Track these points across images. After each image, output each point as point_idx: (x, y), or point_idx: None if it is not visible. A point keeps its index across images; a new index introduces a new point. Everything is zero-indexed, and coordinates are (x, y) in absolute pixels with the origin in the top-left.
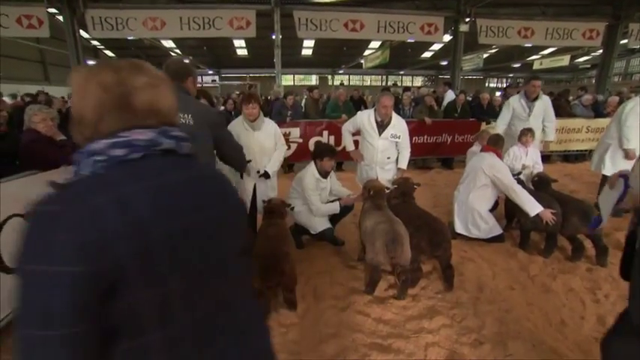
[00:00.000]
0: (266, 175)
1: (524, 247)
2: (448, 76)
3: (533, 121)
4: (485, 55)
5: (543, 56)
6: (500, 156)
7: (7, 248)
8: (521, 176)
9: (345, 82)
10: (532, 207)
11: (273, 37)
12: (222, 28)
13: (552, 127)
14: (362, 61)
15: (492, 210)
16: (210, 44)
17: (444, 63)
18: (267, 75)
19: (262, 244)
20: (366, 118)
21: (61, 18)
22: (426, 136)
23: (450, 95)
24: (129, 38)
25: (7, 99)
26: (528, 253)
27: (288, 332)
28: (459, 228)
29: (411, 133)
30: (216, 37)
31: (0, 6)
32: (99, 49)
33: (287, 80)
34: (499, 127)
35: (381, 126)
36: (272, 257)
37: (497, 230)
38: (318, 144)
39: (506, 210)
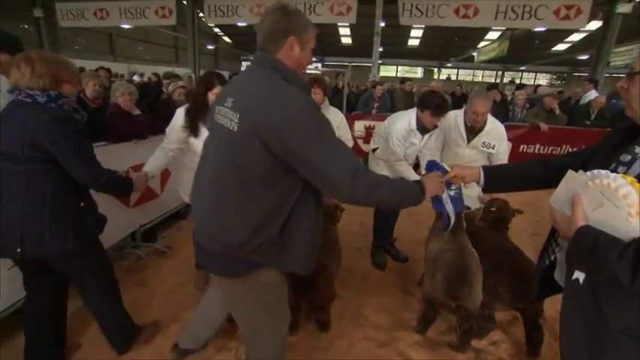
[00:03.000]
0: None
1: None
2: (585, 74)
3: None
4: None
5: None
6: None
7: None
8: None
9: (453, 77)
10: None
11: (375, 24)
12: (322, 14)
13: None
14: (474, 54)
15: None
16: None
17: (584, 57)
18: (368, 65)
19: None
20: (452, 118)
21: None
22: (538, 146)
23: (591, 97)
24: (239, 24)
25: (136, 77)
26: None
27: (311, 356)
28: (559, 275)
29: (519, 141)
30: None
31: (142, 0)
32: (219, 35)
33: (389, 71)
34: None
35: (472, 131)
36: None
37: None
38: (427, 92)
39: None
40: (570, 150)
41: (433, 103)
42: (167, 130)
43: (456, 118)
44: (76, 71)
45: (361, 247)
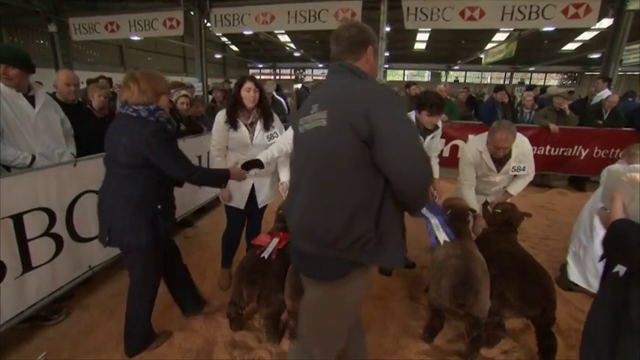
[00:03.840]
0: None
1: None
2: (597, 72)
3: None
4: None
5: None
6: None
7: (79, 221)
8: None
9: (461, 80)
10: None
11: (380, 29)
12: (327, 21)
13: None
14: (482, 56)
15: None
16: (321, 38)
17: (596, 56)
18: None
19: None
20: (477, 155)
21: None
22: (548, 147)
23: (604, 96)
24: (245, 33)
25: None
26: None
27: None
28: (575, 276)
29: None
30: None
31: (150, 12)
32: (226, 44)
33: (397, 75)
34: None
35: (499, 162)
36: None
37: None
38: (422, 93)
39: None
40: (583, 151)
41: (429, 103)
42: (212, 132)
43: (481, 154)
44: (169, 84)
45: None
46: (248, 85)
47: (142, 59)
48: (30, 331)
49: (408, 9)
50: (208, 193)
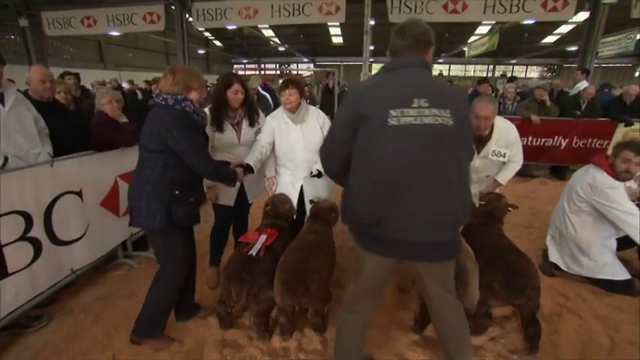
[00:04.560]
0: (318, 175)
1: None
2: (575, 65)
3: None
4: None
5: None
6: (610, 171)
7: (58, 223)
8: None
9: (445, 73)
10: None
11: (365, 22)
12: (311, 15)
13: None
14: (465, 49)
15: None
16: (306, 32)
17: (573, 49)
18: (360, 63)
19: (290, 254)
20: None
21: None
22: (531, 138)
23: (582, 87)
24: (228, 27)
25: (125, 84)
26: None
27: (308, 357)
28: (555, 257)
29: None
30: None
31: (129, 6)
32: (209, 39)
33: None
34: None
35: (479, 141)
36: (296, 272)
37: (620, 273)
38: None
39: None
40: (563, 141)
41: None
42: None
43: None
44: (203, 82)
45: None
46: (236, 87)
47: (123, 55)
48: (9, 339)
49: (392, 2)
50: None
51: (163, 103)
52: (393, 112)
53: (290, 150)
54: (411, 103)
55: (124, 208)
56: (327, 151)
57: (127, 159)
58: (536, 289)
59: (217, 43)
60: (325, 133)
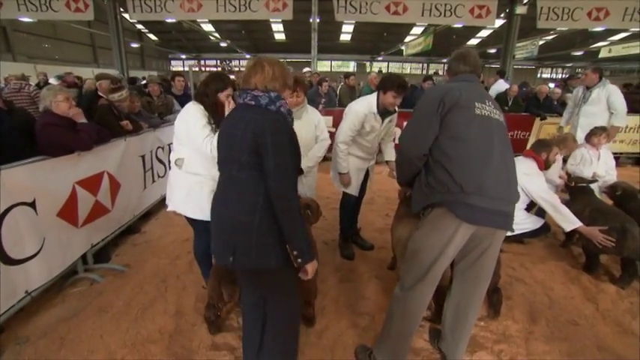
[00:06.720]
0: (300, 172)
1: (592, 271)
2: (496, 66)
3: (587, 110)
4: (540, 43)
5: (613, 42)
6: (540, 163)
7: (9, 240)
8: (595, 187)
9: (384, 70)
10: (567, 222)
11: (312, 20)
12: (257, 10)
13: (619, 114)
14: (402, 48)
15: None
16: (248, 28)
17: (492, 51)
18: (304, 60)
19: None
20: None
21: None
22: None
23: (499, 86)
24: (168, 21)
25: (53, 80)
26: (595, 279)
27: (303, 353)
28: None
29: None
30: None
31: None
32: (143, 32)
33: (324, 66)
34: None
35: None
36: None
37: (534, 222)
38: (386, 74)
39: None
40: None
41: (396, 83)
42: (199, 129)
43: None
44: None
45: (327, 240)
46: (229, 91)
47: (36, 45)
48: None
49: (338, 2)
50: (153, 195)
51: (253, 103)
52: (477, 104)
53: None
54: (483, 101)
55: (84, 218)
56: (412, 133)
57: (85, 164)
58: (498, 262)
59: (152, 36)
60: (318, 132)
